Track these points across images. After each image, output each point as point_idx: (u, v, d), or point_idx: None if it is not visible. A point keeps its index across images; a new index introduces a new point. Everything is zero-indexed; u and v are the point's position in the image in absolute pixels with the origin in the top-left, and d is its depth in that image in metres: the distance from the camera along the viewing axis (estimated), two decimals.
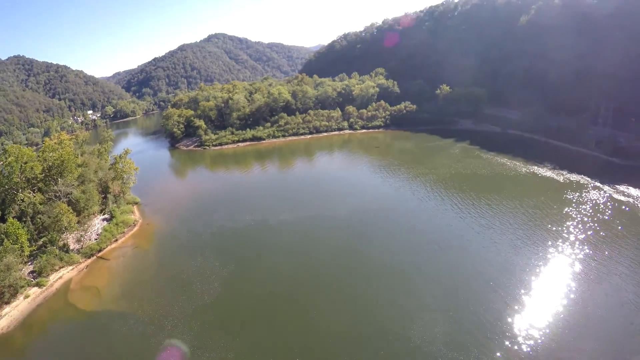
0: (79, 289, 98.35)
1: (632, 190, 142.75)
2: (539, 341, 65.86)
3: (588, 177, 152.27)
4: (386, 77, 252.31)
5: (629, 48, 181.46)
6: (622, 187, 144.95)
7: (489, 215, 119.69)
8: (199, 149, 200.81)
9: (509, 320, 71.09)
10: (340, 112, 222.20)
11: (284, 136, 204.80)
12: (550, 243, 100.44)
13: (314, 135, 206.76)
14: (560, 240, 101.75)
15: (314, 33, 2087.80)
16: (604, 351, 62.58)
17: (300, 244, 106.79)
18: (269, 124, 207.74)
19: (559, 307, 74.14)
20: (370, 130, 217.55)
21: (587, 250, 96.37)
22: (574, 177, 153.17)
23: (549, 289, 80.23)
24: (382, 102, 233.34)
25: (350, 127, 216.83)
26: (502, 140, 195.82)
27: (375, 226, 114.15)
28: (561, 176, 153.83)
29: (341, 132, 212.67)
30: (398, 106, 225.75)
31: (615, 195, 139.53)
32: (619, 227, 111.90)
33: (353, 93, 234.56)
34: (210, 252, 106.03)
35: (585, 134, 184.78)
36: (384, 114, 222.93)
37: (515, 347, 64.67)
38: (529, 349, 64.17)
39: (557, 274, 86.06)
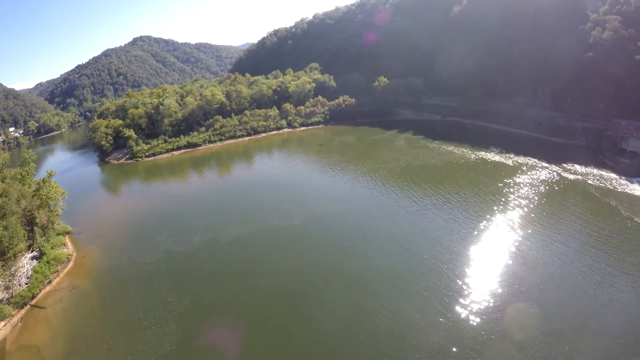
0: (16, 350, 77.71)
1: (578, 168, 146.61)
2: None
3: (535, 158, 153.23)
4: (321, 71, 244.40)
5: (561, 33, 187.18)
6: (568, 166, 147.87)
7: (450, 207, 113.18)
8: (132, 161, 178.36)
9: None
10: (277, 111, 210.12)
11: (220, 140, 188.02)
12: (517, 228, 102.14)
13: (253, 137, 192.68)
14: (525, 224, 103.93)
15: (242, 31, 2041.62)
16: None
17: (258, 263, 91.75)
18: (203, 129, 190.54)
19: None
20: (310, 127, 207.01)
21: (560, 232, 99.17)
22: (522, 159, 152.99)
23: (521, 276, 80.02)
24: (320, 97, 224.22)
25: (289, 125, 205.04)
26: (444, 128, 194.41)
27: (335, 232, 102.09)
28: (510, 160, 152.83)
29: (280, 131, 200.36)
30: (336, 100, 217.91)
31: (564, 174, 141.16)
32: (573, 203, 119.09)
33: (289, 90, 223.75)
34: (160, 285, 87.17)
35: (525, 117, 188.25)
36: (322, 110, 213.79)
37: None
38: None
39: (526, 257, 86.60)
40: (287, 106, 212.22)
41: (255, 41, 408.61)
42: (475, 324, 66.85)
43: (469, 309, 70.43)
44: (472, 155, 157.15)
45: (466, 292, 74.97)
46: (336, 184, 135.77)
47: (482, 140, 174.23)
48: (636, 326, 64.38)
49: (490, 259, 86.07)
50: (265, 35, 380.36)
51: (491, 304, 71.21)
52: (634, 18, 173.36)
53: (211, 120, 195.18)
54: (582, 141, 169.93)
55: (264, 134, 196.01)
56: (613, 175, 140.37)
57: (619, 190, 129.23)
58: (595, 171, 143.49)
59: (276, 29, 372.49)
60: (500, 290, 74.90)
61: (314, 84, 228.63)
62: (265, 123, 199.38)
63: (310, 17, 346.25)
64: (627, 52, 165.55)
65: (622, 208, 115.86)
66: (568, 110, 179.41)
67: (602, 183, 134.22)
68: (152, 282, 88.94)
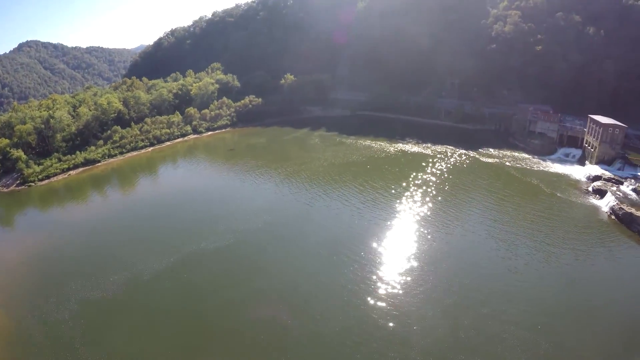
0: None
1: (493, 151, 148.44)
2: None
3: (452, 145, 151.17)
4: (224, 71, 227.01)
5: (465, 27, 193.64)
6: (483, 150, 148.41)
7: (383, 204, 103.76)
8: (24, 187, 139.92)
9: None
10: (180, 116, 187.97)
11: (121, 153, 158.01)
12: (455, 217, 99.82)
13: (156, 147, 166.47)
14: (462, 212, 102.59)
15: (136, 33, 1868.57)
16: None
17: (190, 298, 71.66)
18: (101, 142, 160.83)
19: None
20: (217, 131, 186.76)
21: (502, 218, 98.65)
22: (440, 147, 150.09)
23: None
24: (225, 98, 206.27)
25: (195, 130, 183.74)
26: (356, 123, 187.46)
27: (270, 251, 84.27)
28: (428, 149, 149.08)
29: (185, 138, 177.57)
30: (242, 101, 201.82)
31: (483, 159, 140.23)
32: (499, 187, 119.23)
33: (191, 93, 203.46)
34: (83, 349, 61.82)
35: (435, 107, 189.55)
36: (228, 112, 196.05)
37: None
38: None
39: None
40: (191, 110, 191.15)
41: (151, 42, 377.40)
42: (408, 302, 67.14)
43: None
44: (391, 148, 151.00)
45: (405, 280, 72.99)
46: (258, 192, 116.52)
47: (397, 133, 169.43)
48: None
49: (432, 247, 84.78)
50: (162, 36, 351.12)
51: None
52: (532, 13, 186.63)
53: (109, 131, 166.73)
54: (491, 126, 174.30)
55: (168, 143, 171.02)
56: (526, 155, 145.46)
57: (535, 169, 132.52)
58: (509, 153, 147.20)
59: (173, 28, 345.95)
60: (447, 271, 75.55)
61: (217, 85, 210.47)
62: (168, 130, 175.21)
63: (209, 15, 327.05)
64: (527, 44, 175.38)
65: (543, 185, 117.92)
66: (475, 98, 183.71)
67: (518, 164, 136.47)
68: (72, 346, 62.04)
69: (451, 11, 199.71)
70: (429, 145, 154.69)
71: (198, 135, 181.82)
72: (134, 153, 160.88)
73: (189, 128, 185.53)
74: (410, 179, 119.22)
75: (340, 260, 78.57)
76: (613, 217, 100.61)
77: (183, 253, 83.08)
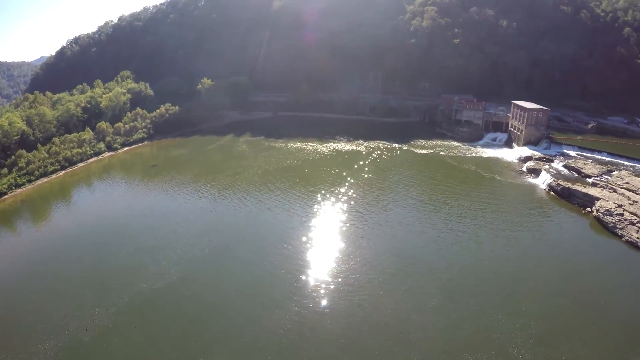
0: None
1: (424, 142, 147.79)
2: None
3: (384, 140, 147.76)
4: (135, 79, 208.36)
5: (383, 23, 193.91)
6: (415, 142, 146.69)
7: (332, 209, 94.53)
8: None
9: None
10: (91, 133, 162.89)
11: (30, 182, 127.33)
12: (408, 210, 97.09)
13: (69, 170, 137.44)
14: (412, 206, 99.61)
15: (35, 44, 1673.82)
16: None
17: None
18: (5, 170, 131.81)
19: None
20: (134, 146, 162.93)
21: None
22: (372, 143, 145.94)
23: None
24: (139, 109, 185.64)
25: (109, 147, 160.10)
26: (281, 125, 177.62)
27: (224, 286, 68.72)
28: (361, 146, 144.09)
29: (100, 156, 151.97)
30: (158, 111, 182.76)
31: (417, 151, 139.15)
32: (441, 177, 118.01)
33: (101, 105, 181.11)
34: None
35: (359, 103, 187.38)
36: (144, 123, 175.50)
37: None
38: None
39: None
40: (103, 125, 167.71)
41: (53, 53, 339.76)
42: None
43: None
44: (324, 149, 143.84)
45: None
46: (194, 212, 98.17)
47: (324, 132, 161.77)
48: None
49: (380, 241, 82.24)
50: (64, 45, 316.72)
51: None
52: (447, 9, 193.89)
53: (13, 157, 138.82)
54: (416, 118, 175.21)
55: (81, 164, 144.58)
56: (456, 143, 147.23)
57: (469, 156, 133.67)
58: (439, 142, 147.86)
59: (77, 36, 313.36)
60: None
61: (129, 95, 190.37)
62: (80, 150, 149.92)
63: (115, 20, 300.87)
64: (446, 38, 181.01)
65: (481, 170, 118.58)
66: (398, 92, 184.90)
67: (452, 152, 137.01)
68: None
69: (370, 8, 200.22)
70: (361, 142, 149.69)
71: (113, 153, 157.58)
72: (45, 180, 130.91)
73: (102, 145, 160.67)
74: (353, 179, 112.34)
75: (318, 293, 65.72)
76: (552, 192, 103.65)
77: (124, 300, 64.43)
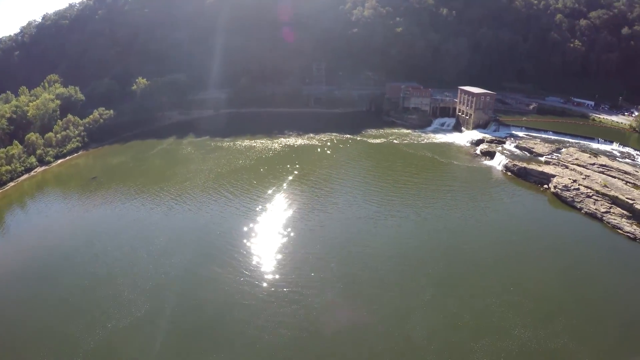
0: None
1: (375, 131, 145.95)
2: None
3: (335, 132, 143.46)
4: (63, 83, 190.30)
5: (324, 13, 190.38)
6: (366, 132, 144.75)
7: (303, 211, 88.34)
8: None
9: None
10: (20, 146, 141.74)
11: None
12: (376, 203, 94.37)
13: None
14: (378, 198, 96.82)
15: None
16: None
17: None
18: None
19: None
20: (69, 157, 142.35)
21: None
22: (323, 136, 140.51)
23: None
24: (70, 116, 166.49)
25: (41, 161, 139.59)
26: (225, 123, 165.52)
27: (198, 315, 59.15)
28: (313, 139, 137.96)
29: (32, 172, 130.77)
30: (91, 116, 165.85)
31: (370, 140, 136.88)
32: (400, 167, 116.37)
33: (28, 115, 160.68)
34: None
35: (303, 95, 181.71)
36: (77, 131, 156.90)
37: None
38: None
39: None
40: (32, 137, 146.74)
41: None
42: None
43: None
44: (276, 145, 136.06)
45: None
46: (148, 228, 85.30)
47: (272, 127, 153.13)
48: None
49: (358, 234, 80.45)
50: None
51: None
52: None
53: None
54: (362, 107, 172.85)
55: (12, 184, 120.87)
56: (406, 130, 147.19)
57: (423, 142, 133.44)
58: (390, 131, 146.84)
59: None
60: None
61: (58, 101, 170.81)
62: (9, 167, 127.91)
63: (39, 19, 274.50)
64: (388, 26, 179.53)
65: (437, 156, 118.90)
66: (342, 82, 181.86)
67: (405, 140, 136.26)
68: None
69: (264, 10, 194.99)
70: (312, 135, 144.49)
71: (46, 167, 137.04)
72: None
73: (33, 159, 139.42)
74: (314, 175, 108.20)
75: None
76: (509, 173, 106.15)
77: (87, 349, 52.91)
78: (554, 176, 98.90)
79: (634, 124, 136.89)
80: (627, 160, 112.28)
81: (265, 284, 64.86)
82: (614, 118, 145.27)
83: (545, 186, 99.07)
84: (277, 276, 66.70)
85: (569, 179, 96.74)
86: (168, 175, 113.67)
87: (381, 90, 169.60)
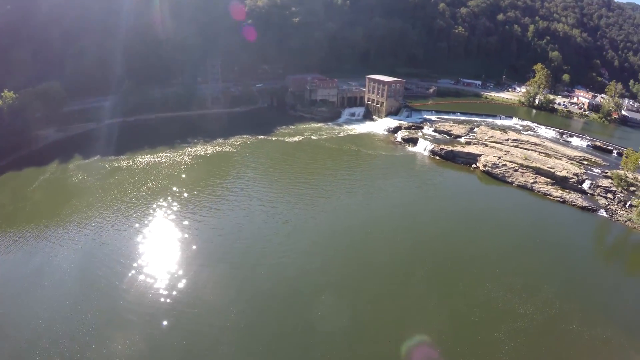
0: None
1: (286, 129, 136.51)
2: None
3: (245, 134, 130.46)
4: None
5: (215, 5, 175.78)
6: (277, 130, 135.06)
7: (237, 238, 76.48)
8: None
9: None
10: None
11: None
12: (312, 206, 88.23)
13: None
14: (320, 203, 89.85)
15: None
16: None
17: None
18: None
19: None
20: None
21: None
22: (235, 140, 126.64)
23: None
24: None
25: None
26: (114, 136, 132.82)
27: None
28: (225, 145, 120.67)
29: None
30: None
31: (286, 139, 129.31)
32: (330, 165, 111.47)
33: None
34: None
35: (198, 96, 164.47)
36: None
37: None
38: None
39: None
40: None
41: None
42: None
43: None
44: (184, 157, 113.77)
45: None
46: (51, 300, 58.88)
47: (172, 136, 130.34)
48: None
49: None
50: None
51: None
52: None
53: None
54: (264, 103, 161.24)
55: None
56: (318, 124, 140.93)
57: (342, 135, 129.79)
58: (303, 126, 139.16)
59: None
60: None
61: None
62: None
63: None
64: (284, 17, 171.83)
65: (362, 149, 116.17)
66: (238, 78, 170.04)
67: (322, 135, 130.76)
68: None
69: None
70: (222, 140, 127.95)
71: None
72: None
73: None
74: (245, 191, 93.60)
75: None
76: (437, 157, 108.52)
77: None
78: (479, 155, 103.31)
79: (522, 99, 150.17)
80: (530, 132, 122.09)
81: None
82: (503, 95, 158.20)
83: (474, 165, 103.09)
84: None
85: (494, 156, 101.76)
86: (62, 216, 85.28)
87: (281, 84, 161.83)
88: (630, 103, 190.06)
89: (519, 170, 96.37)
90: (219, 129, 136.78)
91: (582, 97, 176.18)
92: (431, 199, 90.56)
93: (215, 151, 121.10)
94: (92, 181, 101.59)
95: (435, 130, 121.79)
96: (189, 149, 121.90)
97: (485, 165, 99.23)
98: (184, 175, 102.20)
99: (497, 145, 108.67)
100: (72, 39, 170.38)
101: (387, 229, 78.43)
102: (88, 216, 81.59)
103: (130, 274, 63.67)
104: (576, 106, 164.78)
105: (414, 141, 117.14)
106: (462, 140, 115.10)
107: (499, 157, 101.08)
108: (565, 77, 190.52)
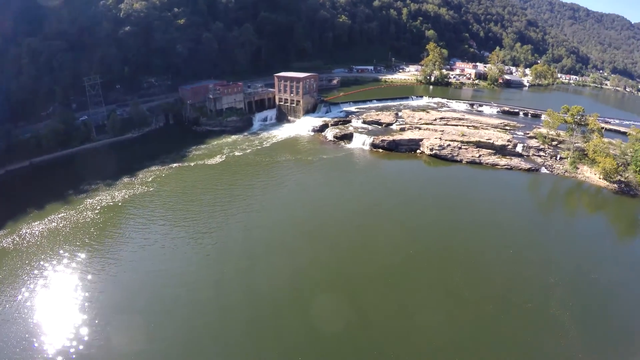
0: None
1: (199, 150, 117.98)
2: None
3: (153, 165, 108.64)
4: None
5: (79, 13, 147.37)
6: (192, 154, 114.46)
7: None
8: None
9: None
10: None
11: None
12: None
13: None
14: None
15: None
16: None
17: None
18: None
19: None
20: None
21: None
22: (145, 175, 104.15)
23: None
24: None
25: None
26: None
27: None
28: (138, 186, 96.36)
29: None
30: None
31: (209, 162, 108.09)
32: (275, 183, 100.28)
33: None
34: None
35: (76, 126, 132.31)
36: None
37: None
38: None
39: None
40: None
41: None
42: None
43: None
44: (89, 213, 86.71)
45: None
46: None
47: (60, 186, 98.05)
48: None
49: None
50: None
51: None
52: None
53: None
54: (160, 123, 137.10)
55: None
56: (233, 137, 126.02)
57: (267, 145, 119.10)
58: (216, 142, 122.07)
59: None
60: None
61: None
62: None
63: None
64: (167, 20, 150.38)
65: (301, 156, 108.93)
66: (120, 97, 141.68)
67: (246, 149, 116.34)
68: None
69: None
70: (128, 179, 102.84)
71: None
72: None
73: None
74: (189, 240, 76.22)
75: None
76: (380, 150, 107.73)
77: None
78: (421, 140, 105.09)
79: (419, 77, 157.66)
80: (445, 108, 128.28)
81: None
82: (398, 76, 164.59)
83: (419, 151, 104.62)
84: None
85: (436, 138, 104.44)
86: None
87: (174, 97, 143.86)
88: (507, 68, 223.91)
89: (462, 147, 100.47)
90: (118, 165, 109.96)
91: (468, 69, 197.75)
92: (398, 195, 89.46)
93: (125, 196, 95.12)
94: None
95: (364, 122, 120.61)
96: (89, 201, 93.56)
97: (431, 149, 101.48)
98: (95, 245, 75.35)
99: (431, 127, 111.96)
100: None
101: (373, 233, 77.29)
102: None
103: None
104: (464, 77, 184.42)
105: (348, 137, 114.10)
106: (395, 127, 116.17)
107: (440, 139, 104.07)
108: (444, 52, 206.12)
